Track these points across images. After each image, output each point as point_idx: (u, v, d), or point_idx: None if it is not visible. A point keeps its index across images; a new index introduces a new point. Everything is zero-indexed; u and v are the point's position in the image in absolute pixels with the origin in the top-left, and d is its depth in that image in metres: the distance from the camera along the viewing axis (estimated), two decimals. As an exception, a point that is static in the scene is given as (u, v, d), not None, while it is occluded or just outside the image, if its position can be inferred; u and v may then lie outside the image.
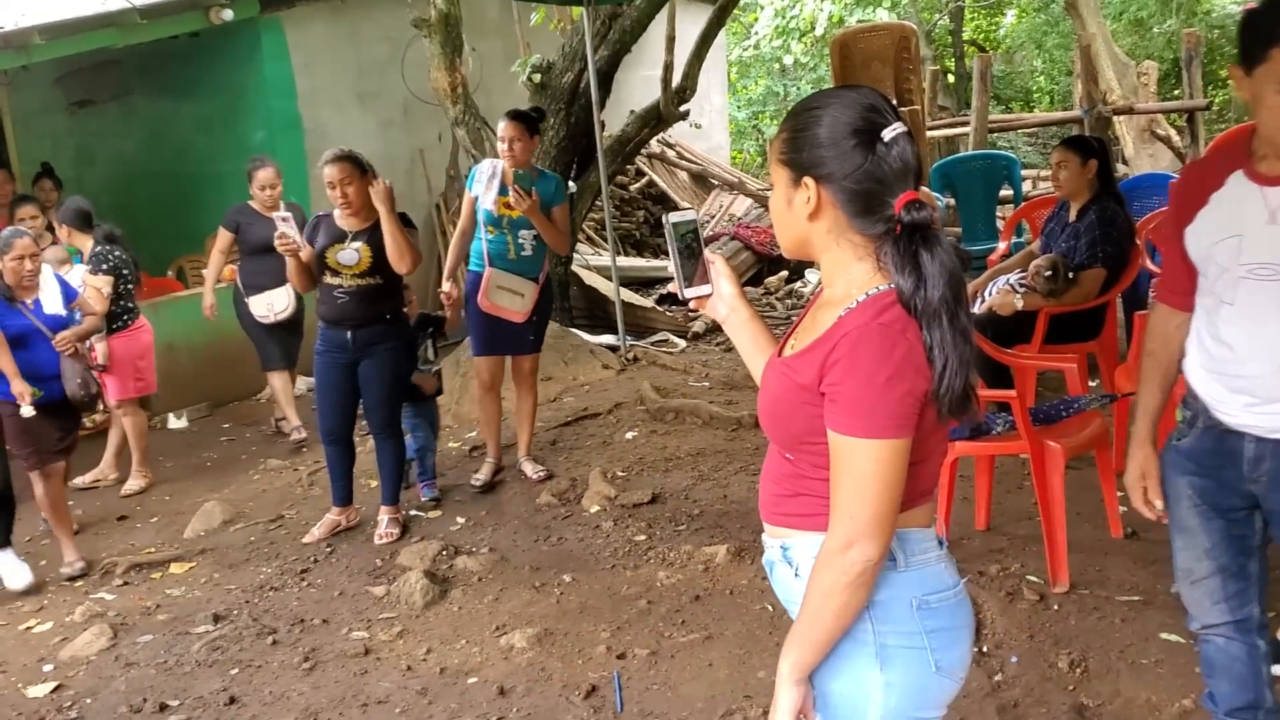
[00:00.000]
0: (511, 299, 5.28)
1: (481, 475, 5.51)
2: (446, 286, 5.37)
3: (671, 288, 2.02)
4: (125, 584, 4.80)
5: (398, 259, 4.76)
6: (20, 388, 4.76)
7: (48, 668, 4.06)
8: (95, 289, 5.68)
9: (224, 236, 6.46)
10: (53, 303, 5.06)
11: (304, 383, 7.23)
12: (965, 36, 20.08)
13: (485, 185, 5.24)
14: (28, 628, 4.44)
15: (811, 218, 1.74)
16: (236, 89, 8.15)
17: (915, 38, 7.03)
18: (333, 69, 8.26)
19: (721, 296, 1.99)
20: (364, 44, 8.41)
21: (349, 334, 4.92)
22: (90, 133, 9.31)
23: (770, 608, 3.89)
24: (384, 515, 5.07)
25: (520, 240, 5.28)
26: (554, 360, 6.95)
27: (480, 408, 5.59)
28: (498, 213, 5.23)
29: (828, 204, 1.72)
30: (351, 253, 4.83)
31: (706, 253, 1.97)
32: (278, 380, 6.67)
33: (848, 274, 1.74)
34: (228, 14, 7.36)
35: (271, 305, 6.34)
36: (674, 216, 1.95)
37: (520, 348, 5.45)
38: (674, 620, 3.96)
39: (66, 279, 5.45)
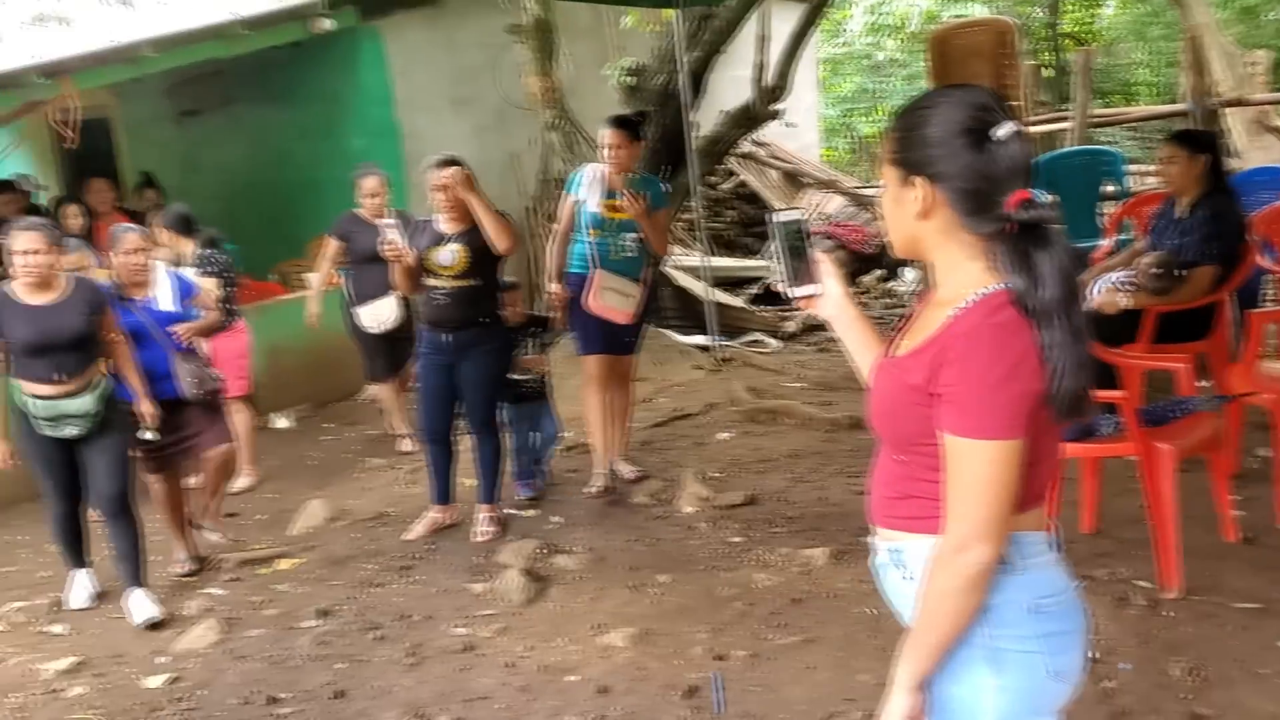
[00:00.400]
0: (620, 300, 5.32)
1: (596, 485, 5.49)
2: (555, 287, 5.43)
3: (778, 287, 2.01)
4: (235, 579, 4.93)
5: (495, 235, 4.81)
6: (146, 408, 4.69)
7: (162, 659, 4.20)
8: (205, 290, 5.84)
9: (332, 244, 6.45)
10: (166, 300, 4.99)
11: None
12: (1063, 29, 19.64)
13: (590, 189, 5.29)
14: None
15: (922, 217, 1.73)
16: (336, 97, 8.33)
17: (1014, 33, 6.91)
18: (428, 76, 8.39)
19: (829, 296, 1.98)
20: (459, 51, 8.53)
21: (447, 337, 5.00)
22: (196, 142, 9.58)
23: (873, 611, 3.85)
24: (482, 514, 5.14)
25: (623, 242, 5.31)
26: (646, 361, 6.96)
27: (589, 407, 5.54)
28: (604, 216, 5.27)
29: (939, 203, 1.71)
30: (449, 254, 4.91)
31: (814, 251, 1.96)
32: (383, 391, 6.70)
33: (959, 273, 1.73)
34: (327, 24, 7.53)
35: (378, 316, 6.32)
36: (780, 215, 1.95)
37: (619, 348, 5.48)
38: (773, 622, 3.95)
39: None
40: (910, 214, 1.74)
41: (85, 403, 4.43)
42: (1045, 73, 18.12)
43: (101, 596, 4.76)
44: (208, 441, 5.05)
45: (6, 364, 4.48)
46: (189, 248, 6.05)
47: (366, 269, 6.15)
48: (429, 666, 3.94)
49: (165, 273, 5.04)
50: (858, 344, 2.00)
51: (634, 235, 5.33)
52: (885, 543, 1.87)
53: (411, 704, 3.67)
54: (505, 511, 5.28)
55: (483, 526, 5.10)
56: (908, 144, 1.73)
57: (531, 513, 5.35)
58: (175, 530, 5.09)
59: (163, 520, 5.08)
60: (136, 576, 4.61)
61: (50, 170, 9.83)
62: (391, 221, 4.97)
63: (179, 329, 4.91)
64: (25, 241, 4.33)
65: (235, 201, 8.70)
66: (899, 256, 1.97)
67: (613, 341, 5.41)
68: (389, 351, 6.46)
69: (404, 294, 5.23)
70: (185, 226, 6.09)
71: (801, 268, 1.95)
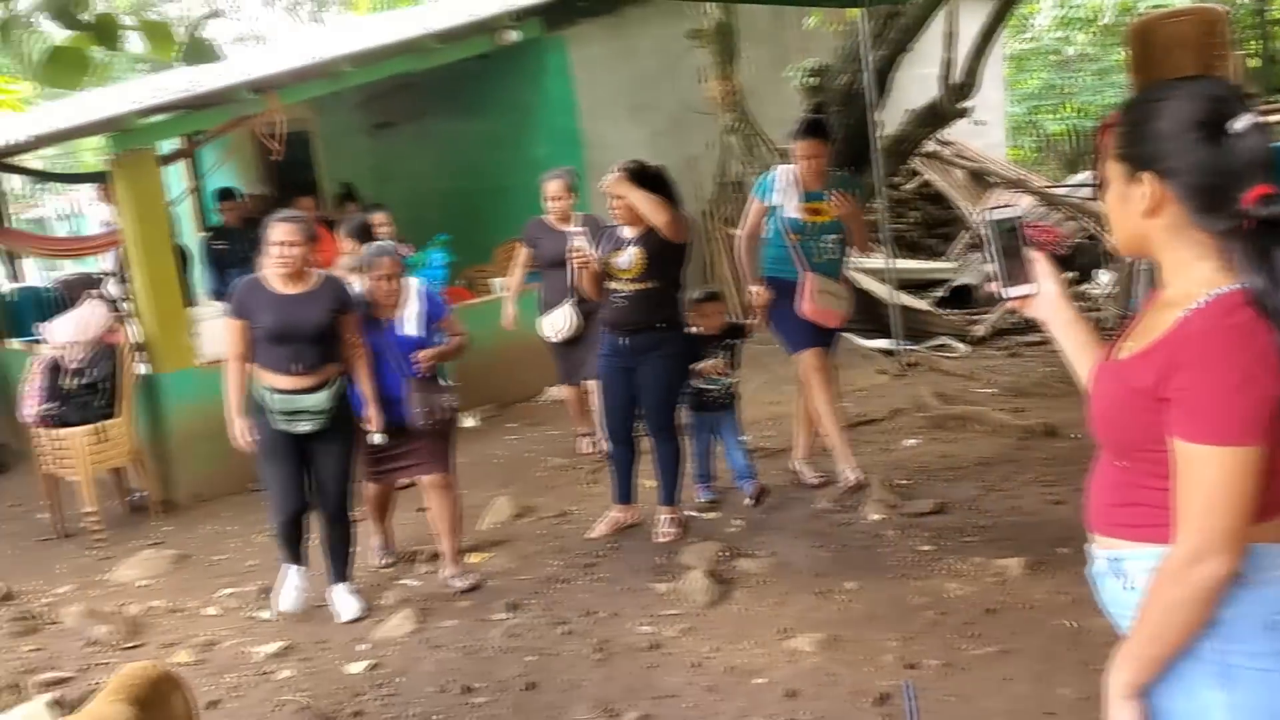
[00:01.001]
0: (835, 301, 5.35)
1: (850, 479, 5.40)
2: (757, 288, 5.42)
3: (990, 286, 1.94)
4: (429, 571, 5.11)
5: (659, 223, 4.82)
6: (371, 413, 4.69)
7: (362, 646, 4.38)
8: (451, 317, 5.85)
9: (521, 250, 6.53)
10: (411, 324, 4.82)
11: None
12: (1271, 15, 18.47)
13: (785, 194, 5.30)
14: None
15: (1149, 214, 1.66)
16: (521, 107, 8.55)
17: (1225, 21, 6.53)
18: (609, 83, 8.52)
19: (1044, 295, 1.91)
20: (638, 58, 8.63)
21: (624, 340, 5.05)
22: (387, 153, 9.99)
23: (1073, 624, 3.71)
24: (663, 515, 5.17)
25: (824, 244, 5.33)
26: (829, 365, 6.89)
27: (817, 400, 5.42)
28: (805, 219, 5.28)
29: (1168, 200, 1.63)
30: (626, 257, 4.97)
31: (1029, 250, 1.90)
32: (567, 394, 6.72)
33: (1189, 273, 1.65)
34: (514, 35, 7.73)
35: (554, 324, 6.31)
36: (995, 212, 1.89)
37: (826, 345, 5.48)
38: (967, 632, 3.84)
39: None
40: (1136, 211, 1.67)
41: (321, 399, 4.52)
42: (1251, 62, 17.09)
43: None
44: (427, 469, 4.91)
45: (251, 349, 4.58)
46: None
47: (551, 274, 6.23)
48: (616, 662, 3.99)
49: (416, 295, 4.88)
50: (1075, 346, 1.92)
51: (834, 236, 5.34)
52: (1104, 551, 1.79)
53: (600, 699, 3.72)
54: (686, 513, 5.30)
55: (664, 527, 5.13)
56: (1135, 138, 1.66)
57: (712, 515, 5.35)
58: (377, 524, 5.22)
59: (367, 511, 5.17)
60: (343, 573, 4.75)
61: (254, 182, 10.40)
62: (578, 228, 5.05)
63: (421, 356, 4.77)
64: (282, 232, 4.45)
65: (424, 210, 9.02)
66: (1122, 254, 1.89)
67: (820, 338, 5.41)
68: (567, 358, 6.45)
69: (591, 299, 5.25)
70: (365, 235, 6.20)
71: (1016, 266, 1.89)
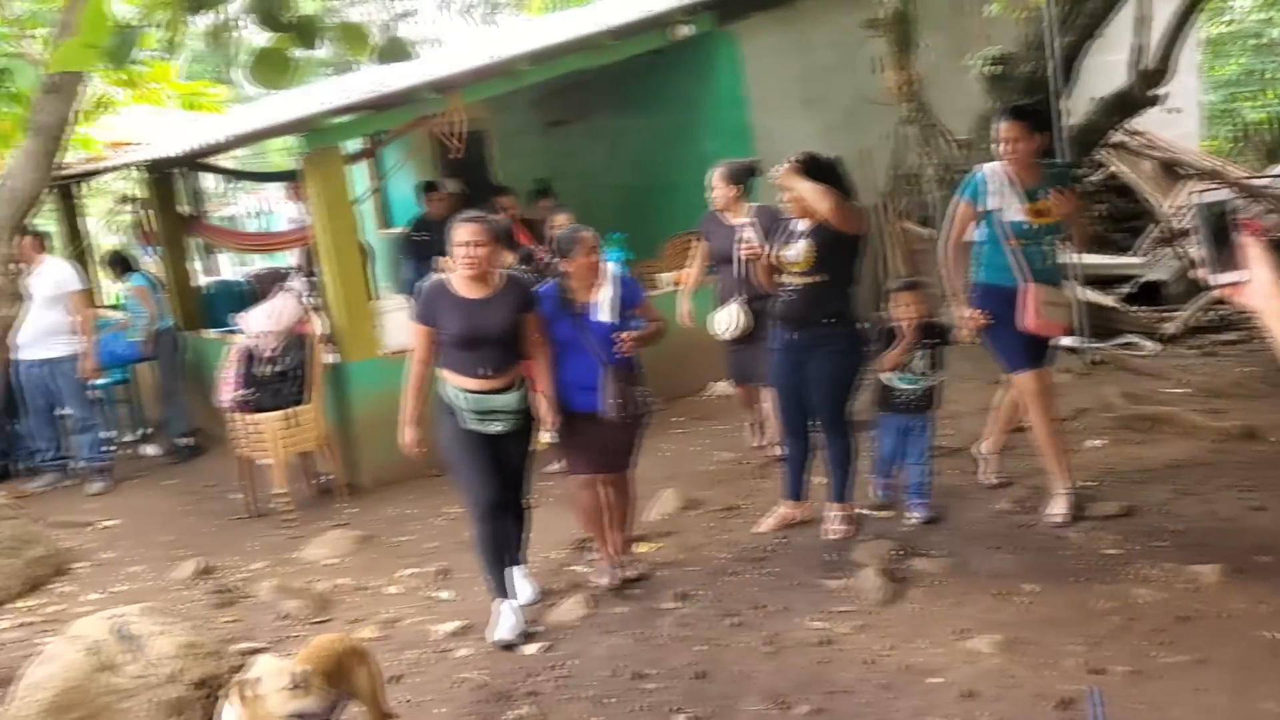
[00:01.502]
0: (1059, 312, 4.92)
1: (1059, 510, 4.88)
2: (966, 312, 4.96)
3: (1198, 273, 1.83)
4: (600, 559, 5.17)
5: (818, 206, 4.73)
6: (545, 413, 4.60)
7: (536, 629, 4.47)
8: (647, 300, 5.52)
9: (699, 244, 6.45)
10: (605, 309, 4.62)
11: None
12: None
13: (1002, 195, 4.81)
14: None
15: None
16: (692, 101, 8.57)
17: None
18: (781, 76, 8.45)
19: (1257, 283, 1.81)
20: (811, 50, 8.53)
21: (793, 334, 5.00)
22: (559, 150, 10.16)
23: (1273, 635, 3.51)
24: (833, 512, 5.10)
25: (1046, 248, 4.85)
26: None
27: (1039, 428, 4.96)
28: (1030, 222, 4.78)
29: None
30: (795, 250, 4.91)
31: (1240, 236, 1.80)
32: (736, 392, 6.55)
33: None
34: (686, 30, 7.76)
35: (722, 322, 6.12)
36: (1205, 196, 1.81)
37: (1047, 360, 5.02)
38: (1157, 640, 3.67)
39: None
40: None
41: (512, 399, 4.46)
42: None
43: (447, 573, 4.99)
44: (616, 465, 4.80)
45: (437, 354, 4.51)
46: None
47: (722, 270, 6.10)
48: (787, 656, 3.96)
49: (612, 279, 4.69)
50: (1293, 336, 1.81)
51: (1055, 238, 4.88)
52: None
53: (772, 691, 3.70)
54: (857, 511, 5.22)
55: (834, 524, 5.07)
56: None
57: (885, 514, 5.25)
58: (599, 537, 4.91)
59: (584, 526, 4.99)
60: (518, 556, 4.77)
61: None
62: (747, 220, 5.01)
63: (624, 336, 4.56)
64: (467, 233, 4.34)
65: (595, 207, 9.13)
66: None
67: (1040, 356, 4.93)
68: (737, 357, 6.22)
69: (766, 291, 5.17)
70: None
71: (1225, 253, 1.79)
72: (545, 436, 4.67)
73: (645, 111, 8.95)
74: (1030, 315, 4.76)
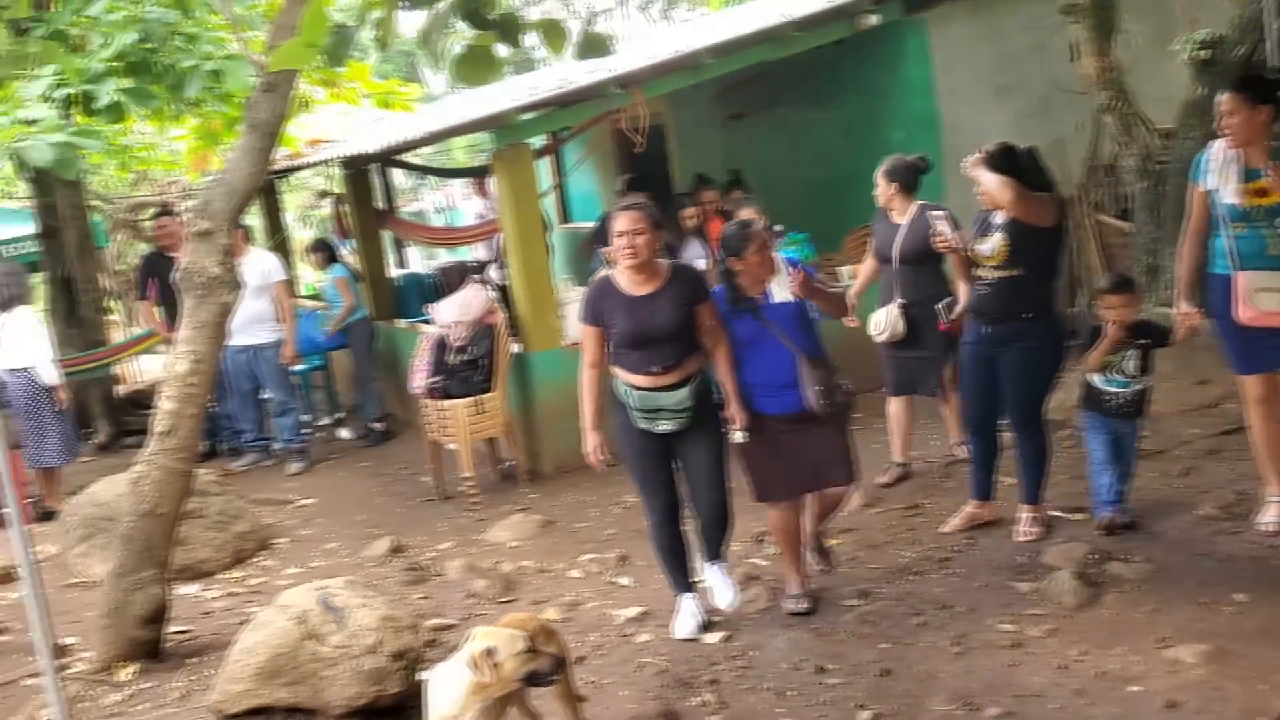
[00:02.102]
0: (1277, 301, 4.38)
1: (1271, 518, 4.58)
2: (1185, 307, 4.60)
3: None
4: (779, 552, 5.15)
5: (1000, 198, 4.57)
6: (735, 412, 4.30)
7: (716, 618, 4.49)
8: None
9: (870, 242, 6.24)
10: (783, 289, 4.34)
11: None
12: None
13: (1221, 174, 4.42)
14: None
15: None
16: (877, 92, 8.43)
17: None
18: (971, 65, 8.22)
19: None
20: (1003, 37, 8.27)
21: (987, 328, 4.86)
22: (738, 143, 10.14)
23: None
24: (1024, 513, 4.95)
25: (1267, 232, 4.34)
26: (1212, 361, 6.32)
27: (1257, 437, 4.65)
28: (1244, 204, 4.37)
29: None
30: (990, 244, 4.77)
31: None
32: (891, 407, 6.09)
33: None
34: (873, 19, 7.63)
35: (875, 323, 5.83)
36: None
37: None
38: (1383, 658, 3.44)
39: None
40: None
41: (680, 397, 4.21)
42: None
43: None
44: (833, 475, 4.45)
45: (608, 352, 4.35)
46: None
47: (883, 269, 5.87)
48: (975, 657, 3.87)
49: (784, 263, 4.42)
50: None
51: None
52: None
53: (959, 692, 3.63)
54: (1050, 513, 5.04)
55: (1025, 526, 4.91)
56: None
57: (1079, 516, 5.05)
58: (792, 563, 4.59)
59: (778, 548, 4.75)
60: (716, 553, 4.50)
61: (610, 176, 10.88)
62: (941, 213, 4.89)
63: (794, 273, 4.29)
64: (626, 221, 4.14)
65: (775, 200, 9.08)
66: None
67: (1270, 358, 4.51)
68: (892, 363, 5.90)
69: (961, 284, 5.01)
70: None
71: None
72: (736, 436, 4.32)
73: (828, 103, 8.84)
74: (1240, 306, 4.38)
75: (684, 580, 4.47)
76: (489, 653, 3.01)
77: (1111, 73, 6.64)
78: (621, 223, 4.17)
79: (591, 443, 4.36)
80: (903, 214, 5.72)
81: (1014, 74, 8.25)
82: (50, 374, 7.38)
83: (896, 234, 5.70)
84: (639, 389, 4.25)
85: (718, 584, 4.48)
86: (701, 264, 7.02)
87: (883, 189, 5.80)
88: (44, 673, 3.37)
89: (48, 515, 7.21)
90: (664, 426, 4.27)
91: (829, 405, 4.25)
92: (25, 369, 7.33)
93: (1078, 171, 8.23)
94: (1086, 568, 4.41)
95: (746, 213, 6.22)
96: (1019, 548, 4.80)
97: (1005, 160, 4.68)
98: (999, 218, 4.77)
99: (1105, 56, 6.55)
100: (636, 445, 4.35)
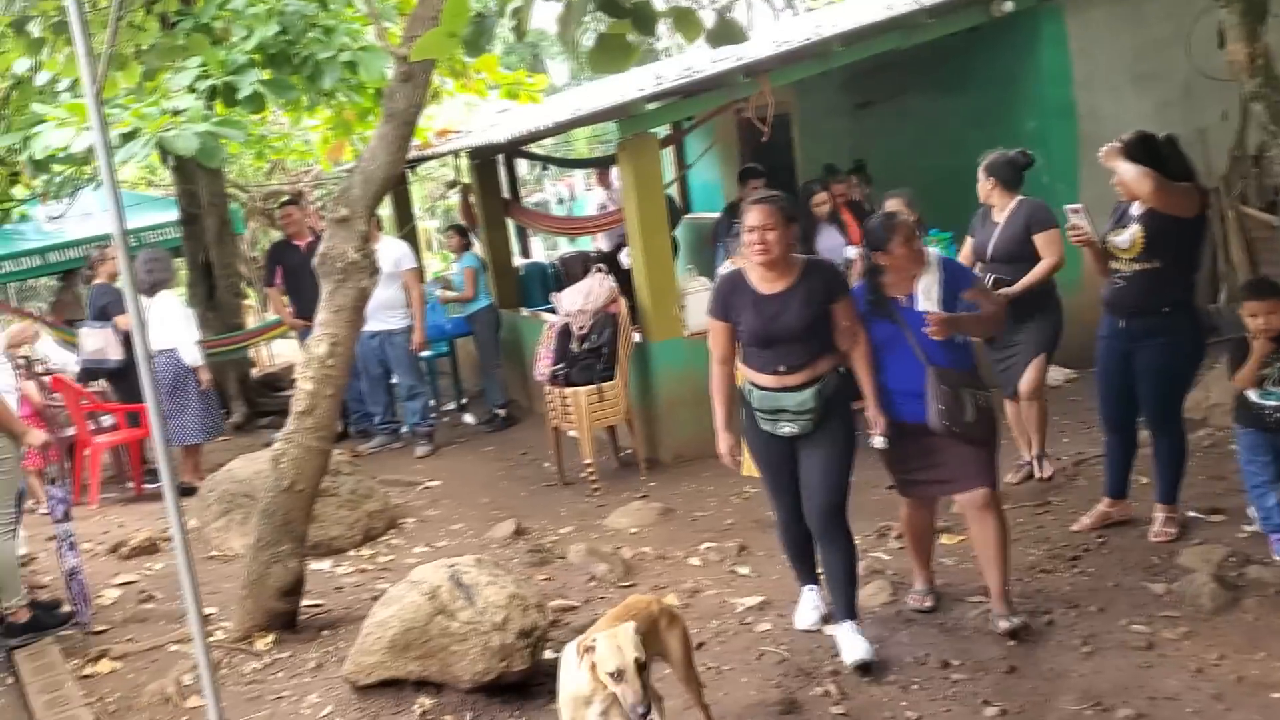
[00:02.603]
0: None
1: None
2: None
3: None
4: (901, 547, 5.10)
5: (1136, 189, 4.43)
6: (874, 414, 4.08)
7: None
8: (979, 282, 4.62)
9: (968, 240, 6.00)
10: (930, 297, 4.04)
11: (1058, 373, 7.11)
12: None
13: None
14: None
15: None
16: (1010, 80, 8.23)
17: None
18: (1110, 52, 7.97)
19: None
20: (1145, 24, 7.99)
21: (1122, 322, 4.73)
22: (865, 132, 10.01)
23: None
24: (1160, 513, 4.81)
25: None
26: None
27: None
28: None
29: None
30: (1125, 236, 4.63)
31: None
32: (1007, 406, 5.79)
33: None
34: (1009, 6, 7.45)
35: None
36: None
37: None
38: None
39: None
40: None
41: (804, 398, 3.96)
42: None
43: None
44: (963, 484, 4.14)
45: (737, 349, 4.18)
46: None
47: (980, 268, 5.62)
48: (1105, 657, 3.79)
49: (936, 264, 4.12)
50: None
51: None
52: None
53: (1089, 691, 3.56)
54: (1186, 514, 4.89)
55: (1160, 526, 4.78)
56: None
57: (1217, 518, 4.89)
58: (916, 556, 4.49)
59: (906, 543, 4.56)
60: (848, 608, 4.11)
61: (733, 166, 10.84)
62: (1078, 206, 4.76)
63: (931, 318, 3.95)
64: (757, 216, 3.93)
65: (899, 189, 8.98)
66: None
67: None
68: (993, 358, 5.70)
69: (1102, 276, 4.85)
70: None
71: None
72: (876, 442, 4.11)
73: (959, 91, 8.67)
74: None
75: (808, 572, 4.41)
76: (589, 649, 3.05)
77: (1261, 59, 6.35)
78: (752, 217, 3.95)
79: (724, 443, 4.18)
80: (1002, 210, 5.58)
81: (1155, 61, 7.98)
82: (193, 355, 7.72)
83: (994, 232, 5.56)
84: (761, 388, 4.06)
85: (850, 642, 4.05)
86: (851, 252, 6.92)
87: (982, 184, 5.68)
88: (193, 639, 3.53)
89: (187, 491, 7.54)
90: (785, 429, 4.04)
91: (950, 425, 3.95)
92: (170, 350, 7.68)
93: (1221, 162, 7.94)
94: (1225, 571, 4.26)
95: (893, 204, 6.02)
96: (1153, 548, 4.67)
97: (1143, 149, 4.54)
98: (1136, 209, 4.64)
99: (1255, 42, 6.26)
100: (760, 446, 4.19)
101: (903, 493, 4.35)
